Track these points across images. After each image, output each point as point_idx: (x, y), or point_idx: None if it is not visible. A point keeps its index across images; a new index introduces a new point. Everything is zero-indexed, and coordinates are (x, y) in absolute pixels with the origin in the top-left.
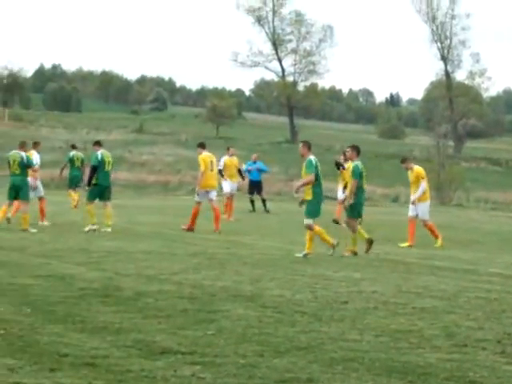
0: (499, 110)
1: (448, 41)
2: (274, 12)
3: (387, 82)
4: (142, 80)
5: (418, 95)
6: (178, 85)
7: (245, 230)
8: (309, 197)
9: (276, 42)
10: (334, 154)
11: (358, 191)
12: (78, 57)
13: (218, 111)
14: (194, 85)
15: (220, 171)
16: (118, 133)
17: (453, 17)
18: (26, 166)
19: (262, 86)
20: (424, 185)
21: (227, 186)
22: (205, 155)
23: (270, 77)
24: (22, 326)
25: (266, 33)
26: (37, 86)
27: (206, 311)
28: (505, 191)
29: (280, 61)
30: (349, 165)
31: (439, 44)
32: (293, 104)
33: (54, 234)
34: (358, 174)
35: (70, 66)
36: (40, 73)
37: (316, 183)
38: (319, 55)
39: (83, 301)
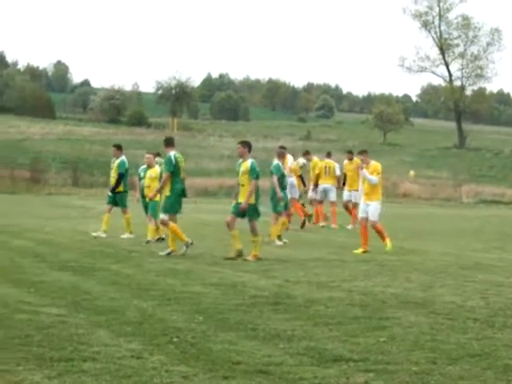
0: None
1: None
2: (441, 16)
3: None
4: (309, 87)
5: None
6: (344, 91)
7: (414, 236)
8: (167, 193)
9: (443, 47)
10: (504, 158)
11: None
12: (245, 65)
13: (385, 117)
14: (360, 91)
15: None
16: (285, 140)
17: None
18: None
19: (429, 91)
20: (375, 178)
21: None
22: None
23: (437, 82)
24: (195, 333)
25: (433, 37)
26: (204, 95)
27: (377, 318)
28: None
29: (447, 65)
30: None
31: None
32: (460, 109)
33: (222, 242)
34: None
35: (237, 74)
36: (207, 82)
37: (175, 180)
38: (487, 59)
39: (254, 308)
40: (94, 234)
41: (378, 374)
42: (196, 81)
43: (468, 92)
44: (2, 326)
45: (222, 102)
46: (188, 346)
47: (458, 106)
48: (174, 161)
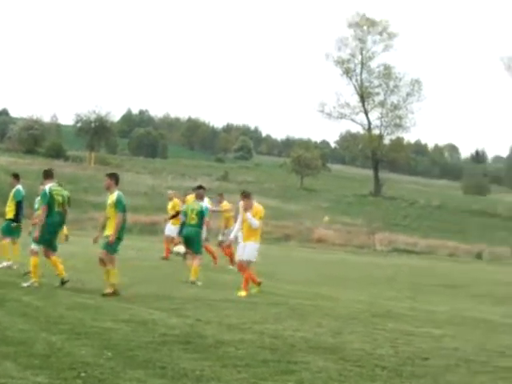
0: None
1: None
2: (363, 64)
3: (473, 138)
4: (228, 128)
5: (504, 153)
6: (263, 134)
7: (326, 282)
8: (42, 224)
9: (363, 95)
10: (418, 208)
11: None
12: (165, 103)
13: (303, 162)
14: (279, 134)
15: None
16: (203, 180)
17: None
18: (203, 216)
19: (348, 138)
20: (257, 222)
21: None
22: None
23: (356, 129)
24: (103, 369)
25: (354, 85)
26: (124, 130)
27: (286, 362)
28: None
29: (366, 113)
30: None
31: None
32: (378, 157)
33: (136, 279)
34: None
35: (157, 112)
36: (127, 118)
37: (50, 213)
38: (406, 109)
39: (164, 347)
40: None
41: None
42: (116, 116)
43: (386, 141)
44: None
45: (141, 138)
46: (96, 382)
47: (375, 154)
48: (48, 194)
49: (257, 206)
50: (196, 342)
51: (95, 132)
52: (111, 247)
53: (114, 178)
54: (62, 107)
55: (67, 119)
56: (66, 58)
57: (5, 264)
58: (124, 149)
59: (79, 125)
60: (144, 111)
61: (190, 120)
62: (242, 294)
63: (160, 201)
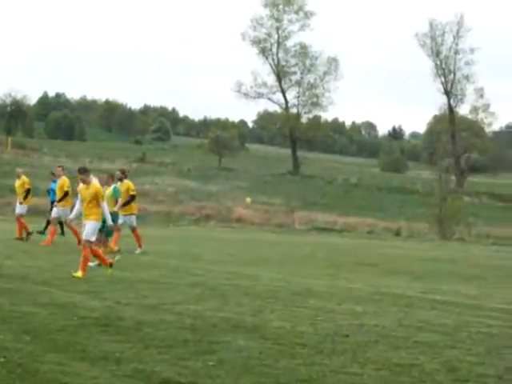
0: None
1: (452, 75)
2: (279, 44)
3: (390, 116)
4: (146, 110)
5: (421, 129)
6: (181, 115)
7: (246, 261)
8: None
9: (280, 74)
10: (337, 186)
11: None
12: (82, 86)
13: (221, 142)
14: (196, 115)
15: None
16: (120, 162)
17: (457, 51)
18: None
19: (266, 118)
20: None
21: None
22: None
23: (274, 108)
24: (22, 354)
25: (270, 64)
26: (40, 114)
27: (206, 342)
28: (506, 226)
29: (284, 92)
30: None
31: (443, 78)
32: (296, 136)
33: (53, 263)
34: None
35: (73, 94)
36: (43, 101)
37: None
38: (323, 88)
39: (84, 329)
40: None
41: None
42: (32, 99)
43: (304, 120)
44: None
45: (58, 121)
46: (15, 366)
47: (293, 133)
48: None
49: (95, 182)
50: (116, 324)
51: (11, 116)
52: None
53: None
54: None
55: None
56: None
57: None
58: (41, 132)
59: None
60: (60, 94)
61: (107, 102)
62: (79, 274)
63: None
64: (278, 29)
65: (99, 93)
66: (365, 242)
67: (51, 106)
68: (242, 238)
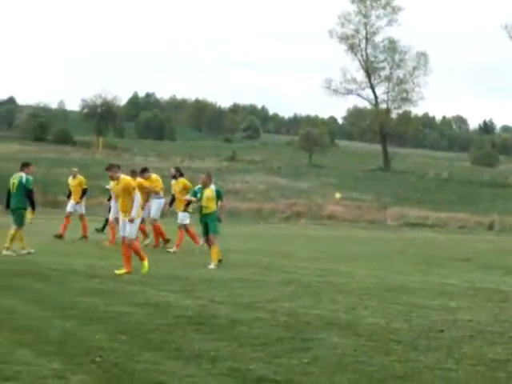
0: None
1: None
2: (367, 39)
3: (481, 109)
4: (235, 108)
5: None
6: (270, 113)
7: (338, 258)
8: None
9: (369, 70)
10: (428, 181)
11: None
12: (172, 85)
13: (311, 139)
14: (286, 113)
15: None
16: (211, 161)
17: None
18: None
19: (355, 114)
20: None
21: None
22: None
23: (363, 104)
24: (118, 353)
25: (359, 60)
26: (130, 114)
27: (300, 339)
28: None
29: (373, 88)
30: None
31: None
32: (386, 131)
33: (149, 262)
34: None
35: (163, 94)
36: (134, 101)
37: None
38: (413, 83)
39: (178, 328)
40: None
41: None
42: (122, 99)
43: (393, 115)
44: None
45: (148, 121)
46: (111, 366)
47: (383, 129)
48: None
49: (124, 178)
50: (210, 323)
51: (102, 117)
52: None
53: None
54: (69, 93)
55: (74, 105)
56: (72, 44)
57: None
58: (131, 132)
59: (86, 110)
60: (150, 94)
61: (196, 101)
62: (122, 271)
63: (168, 183)
64: (365, 24)
65: (189, 92)
66: (457, 237)
67: (141, 106)
68: (333, 235)
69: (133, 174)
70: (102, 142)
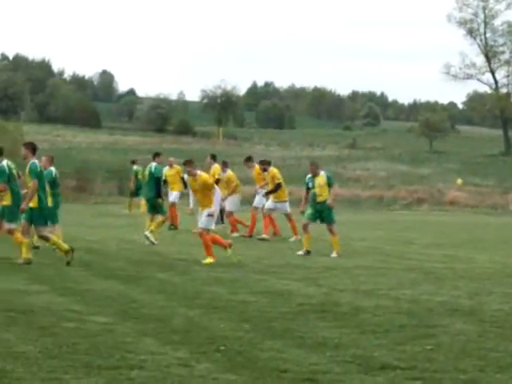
0: None
1: None
2: (486, 24)
3: None
4: (354, 95)
5: None
6: (389, 99)
7: (460, 244)
8: (7, 202)
9: (488, 54)
10: None
11: None
12: (290, 74)
13: (431, 125)
14: (405, 99)
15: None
16: (331, 149)
17: None
18: None
19: (475, 99)
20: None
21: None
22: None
23: (483, 89)
24: (242, 342)
25: (478, 45)
26: (250, 103)
27: (423, 326)
28: None
29: (493, 73)
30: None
31: None
32: (506, 116)
33: (270, 250)
34: None
35: (282, 83)
36: (253, 91)
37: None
38: None
39: (301, 316)
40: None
41: (425, 381)
42: (241, 89)
43: None
44: (49, 334)
45: (268, 110)
46: (235, 354)
47: (504, 114)
48: (7, 169)
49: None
50: (333, 310)
51: (222, 107)
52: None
53: (31, 146)
54: (188, 84)
55: (193, 96)
56: (190, 35)
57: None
58: (251, 122)
59: (205, 101)
60: (269, 83)
61: (315, 89)
62: (208, 261)
63: (289, 172)
64: (484, 8)
65: (307, 80)
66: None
67: (260, 95)
68: (455, 221)
69: (224, 164)
70: (222, 132)
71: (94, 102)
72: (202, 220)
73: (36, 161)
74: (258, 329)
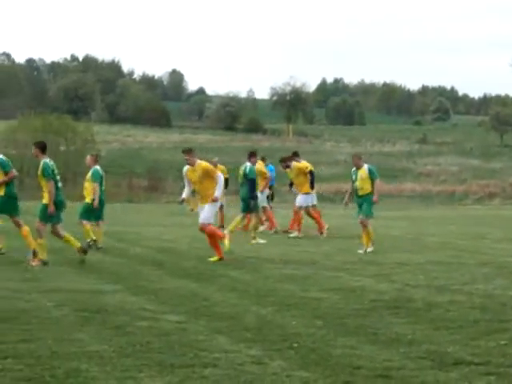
0: None
1: None
2: None
3: None
4: (424, 90)
5: None
6: (460, 93)
7: None
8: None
9: None
10: None
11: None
12: (360, 70)
13: (502, 119)
14: (476, 93)
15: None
16: (401, 144)
17: None
18: None
19: None
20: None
21: None
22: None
23: None
24: (315, 338)
25: None
26: (319, 100)
27: (497, 321)
28: None
29: None
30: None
31: None
32: None
33: (337, 247)
34: None
35: (351, 79)
36: (322, 87)
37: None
38: None
39: (374, 312)
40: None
41: (500, 377)
42: (311, 86)
43: None
44: (123, 334)
45: (337, 106)
46: (308, 351)
47: None
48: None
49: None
50: (406, 306)
51: (291, 104)
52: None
53: (40, 146)
54: (258, 81)
55: (263, 93)
56: (259, 33)
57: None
58: (321, 119)
59: (275, 98)
60: (338, 79)
61: (385, 85)
62: (214, 259)
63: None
64: None
65: (377, 76)
66: None
67: (330, 91)
68: None
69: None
70: (291, 129)
71: (163, 102)
72: (203, 215)
73: (48, 159)
74: (331, 325)
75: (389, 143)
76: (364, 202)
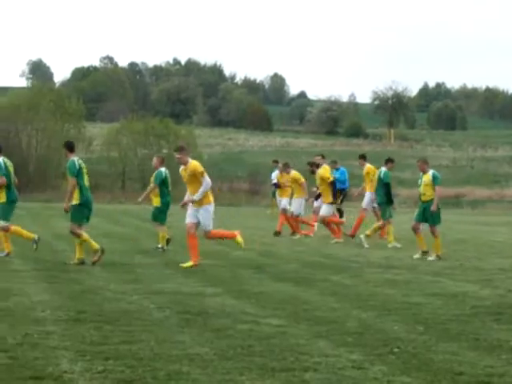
0: None
1: None
2: None
3: None
4: None
5: None
6: None
7: None
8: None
9: None
10: None
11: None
12: (462, 74)
13: None
14: None
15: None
16: (504, 149)
17: None
18: None
19: None
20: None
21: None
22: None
23: None
24: (416, 344)
25: None
26: (421, 105)
27: None
28: None
29: None
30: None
31: None
32: None
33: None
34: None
35: (453, 83)
36: (424, 92)
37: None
38: None
39: (476, 318)
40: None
41: None
42: (413, 90)
43: None
44: (224, 337)
45: (439, 111)
46: (409, 357)
47: None
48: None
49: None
50: (508, 313)
51: (393, 109)
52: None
53: (67, 145)
54: (359, 86)
55: (364, 97)
56: (361, 37)
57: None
58: (422, 123)
59: (377, 102)
60: (440, 84)
61: (487, 89)
62: (188, 264)
63: (463, 173)
64: None
65: (479, 80)
66: None
67: (432, 96)
68: None
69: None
70: (393, 133)
71: (265, 106)
72: (204, 222)
73: (75, 158)
74: (432, 331)
75: (491, 148)
76: (427, 208)
